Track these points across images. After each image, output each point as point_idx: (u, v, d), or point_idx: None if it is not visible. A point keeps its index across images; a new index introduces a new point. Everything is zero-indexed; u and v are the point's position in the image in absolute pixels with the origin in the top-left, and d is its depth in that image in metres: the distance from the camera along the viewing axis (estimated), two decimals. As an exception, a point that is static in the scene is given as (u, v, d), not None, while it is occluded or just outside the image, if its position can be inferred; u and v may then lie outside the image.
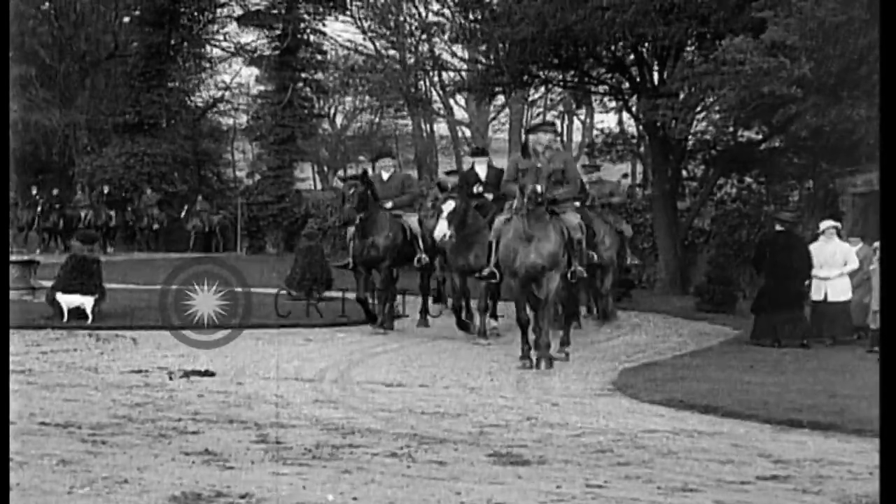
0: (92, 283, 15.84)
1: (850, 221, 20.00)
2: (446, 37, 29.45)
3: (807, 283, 16.06)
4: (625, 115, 31.59)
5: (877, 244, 14.27)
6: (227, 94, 43.13)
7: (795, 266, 15.99)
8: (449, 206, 14.83)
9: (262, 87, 39.67)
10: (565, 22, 20.77)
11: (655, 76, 23.52)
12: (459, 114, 44.64)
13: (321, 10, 37.82)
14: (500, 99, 35.61)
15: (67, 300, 15.64)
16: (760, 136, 24.07)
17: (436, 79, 40.89)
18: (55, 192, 33.45)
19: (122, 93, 38.33)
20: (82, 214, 32.91)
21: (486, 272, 13.67)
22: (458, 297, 15.80)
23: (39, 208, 32.52)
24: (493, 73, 24.21)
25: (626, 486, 7.13)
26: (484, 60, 26.05)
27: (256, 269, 23.72)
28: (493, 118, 45.37)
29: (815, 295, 16.10)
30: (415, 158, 45.74)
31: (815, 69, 17.69)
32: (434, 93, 42.44)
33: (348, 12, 39.61)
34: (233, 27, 40.13)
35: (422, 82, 41.00)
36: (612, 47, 23.14)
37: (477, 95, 30.39)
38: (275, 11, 37.14)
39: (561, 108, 41.31)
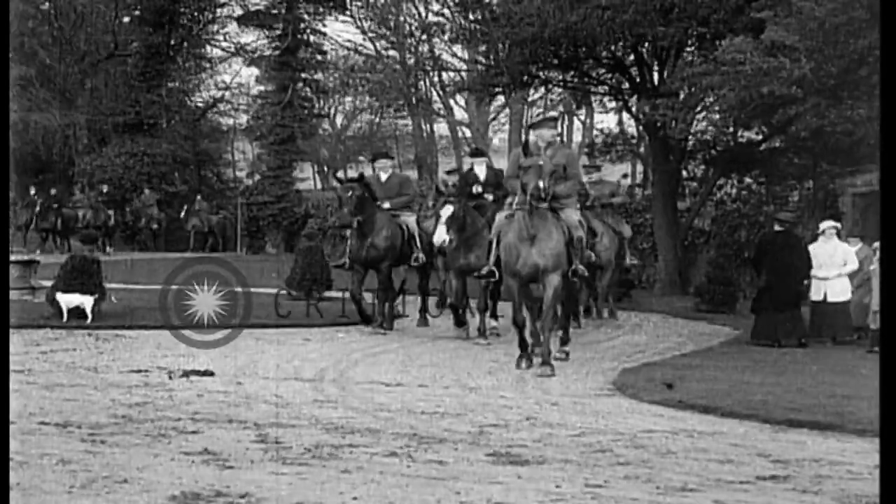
0: (92, 283, 15.83)
1: (850, 222, 20.04)
2: (446, 37, 29.44)
3: (805, 282, 16.09)
4: (625, 115, 31.70)
5: (877, 244, 14.27)
6: (227, 94, 43.20)
7: (795, 266, 16.00)
8: (447, 210, 14.77)
9: (262, 87, 39.75)
10: (565, 22, 20.77)
11: (655, 76, 23.53)
12: (459, 114, 44.67)
13: (321, 10, 37.87)
14: (501, 99, 35.69)
15: (67, 300, 15.64)
16: (760, 137, 24.09)
17: (436, 79, 40.98)
18: (53, 191, 33.39)
19: (122, 93, 38.36)
20: (81, 214, 32.88)
21: (484, 271, 13.58)
22: (458, 297, 15.80)
23: (37, 208, 32.49)
24: (494, 74, 24.21)
25: (625, 486, 7.12)
26: (484, 61, 26.06)
27: (256, 269, 23.71)
28: (493, 118, 45.44)
29: (815, 295, 16.12)
30: (415, 158, 45.78)
31: (815, 70, 17.69)
32: (434, 93, 42.52)
33: (348, 12, 39.68)
34: (233, 27, 40.26)
35: (422, 82, 41.07)
36: (612, 47, 23.14)
37: (477, 96, 30.46)
38: (275, 11, 37.19)
39: (561, 108, 41.30)
